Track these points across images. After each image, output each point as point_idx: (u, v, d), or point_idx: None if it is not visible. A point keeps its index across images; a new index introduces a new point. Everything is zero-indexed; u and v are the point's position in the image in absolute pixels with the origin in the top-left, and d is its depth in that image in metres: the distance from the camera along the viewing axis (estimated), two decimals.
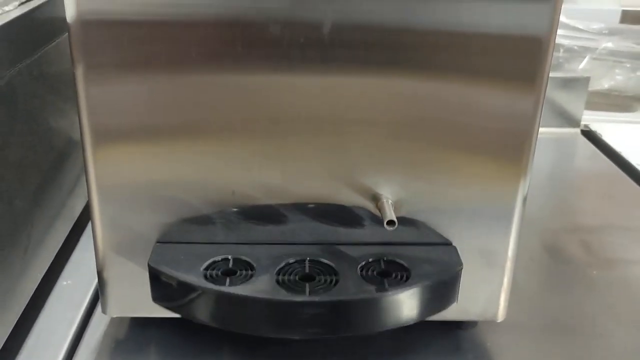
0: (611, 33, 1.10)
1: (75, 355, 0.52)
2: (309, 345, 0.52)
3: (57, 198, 0.63)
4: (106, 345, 0.53)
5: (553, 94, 0.95)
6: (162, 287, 0.48)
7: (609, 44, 1.02)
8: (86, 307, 0.57)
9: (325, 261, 0.49)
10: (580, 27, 1.11)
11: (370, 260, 0.49)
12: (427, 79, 0.45)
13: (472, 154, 0.48)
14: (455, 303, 0.49)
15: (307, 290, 0.46)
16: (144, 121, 0.46)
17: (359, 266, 0.48)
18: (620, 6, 1.39)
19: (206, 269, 0.48)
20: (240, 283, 0.46)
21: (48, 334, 0.54)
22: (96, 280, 0.52)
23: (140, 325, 0.54)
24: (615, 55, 1.03)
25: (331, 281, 0.47)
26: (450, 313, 0.50)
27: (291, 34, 0.43)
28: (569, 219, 0.76)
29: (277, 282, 0.46)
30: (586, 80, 0.94)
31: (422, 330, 0.51)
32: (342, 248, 0.50)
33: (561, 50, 1.01)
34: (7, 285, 0.51)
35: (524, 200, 0.49)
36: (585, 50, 1.02)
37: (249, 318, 0.46)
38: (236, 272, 0.47)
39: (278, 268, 0.48)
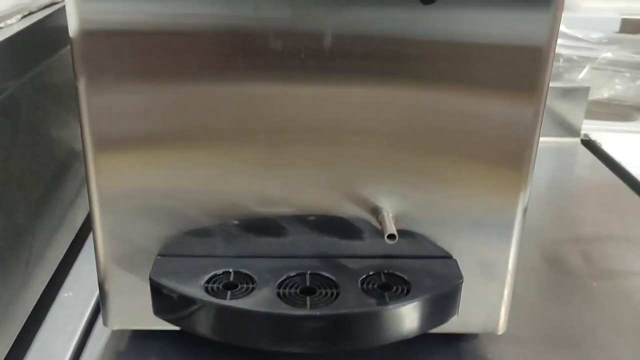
0: (611, 42, 1.10)
1: None
2: (310, 358, 0.52)
3: (58, 209, 0.63)
4: (107, 358, 0.53)
5: (553, 103, 0.95)
6: (164, 301, 0.48)
7: (608, 54, 1.03)
8: (87, 319, 0.57)
9: (326, 274, 0.49)
10: (580, 36, 1.11)
11: (371, 273, 0.49)
12: (427, 90, 0.45)
13: (472, 165, 0.48)
14: (455, 316, 0.50)
15: (308, 303, 0.46)
16: (145, 133, 0.46)
17: (360, 279, 0.48)
18: (619, 14, 1.39)
19: (207, 282, 0.48)
20: (241, 296, 0.46)
21: (49, 347, 0.54)
22: (97, 292, 0.52)
23: (141, 337, 0.54)
24: (614, 65, 1.03)
25: (332, 294, 0.47)
26: (450, 326, 0.50)
27: (291, 45, 0.44)
28: (569, 229, 0.76)
29: (278, 295, 0.47)
30: (586, 90, 0.94)
31: (423, 342, 0.51)
32: (343, 261, 0.50)
33: (561, 60, 1.01)
34: (8, 298, 0.51)
35: (524, 211, 0.49)
36: (585, 60, 1.02)
37: (250, 331, 0.46)
38: (237, 285, 0.47)
39: (279, 281, 0.48)
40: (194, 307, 0.47)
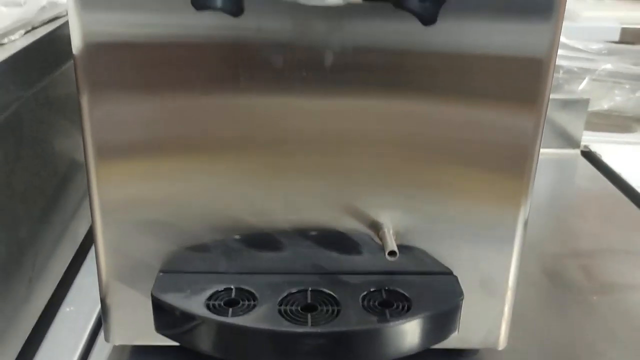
0: (610, 53, 1.11)
1: None
2: None
3: (60, 222, 0.64)
4: None
5: (553, 115, 0.95)
6: (165, 317, 0.48)
7: (608, 65, 1.03)
8: (89, 334, 0.57)
9: (327, 291, 0.49)
10: (580, 47, 1.11)
11: (372, 289, 0.49)
12: (428, 102, 0.45)
13: (473, 178, 0.48)
14: (456, 332, 0.50)
15: (309, 321, 0.46)
16: (147, 146, 0.46)
17: (361, 296, 0.49)
18: (619, 24, 1.39)
19: (209, 299, 0.48)
20: (243, 313, 0.46)
21: None
22: (99, 306, 0.52)
23: (142, 352, 0.54)
24: (614, 77, 1.04)
25: (333, 311, 0.47)
26: (451, 342, 0.50)
27: (293, 58, 0.44)
28: (569, 242, 0.77)
29: (279, 312, 0.47)
30: (586, 102, 0.95)
31: (423, 358, 0.51)
32: (344, 277, 0.50)
33: (561, 71, 1.02)
34: (11, 313, 0.52)
35: (525, 226, 0.49)
36: (585, 71, 1.03)
37: (252, 348, 0.47)
38: (239, 302, 0.48)
39: (280, 298, 0.48)
40: (196, 324, 0.47)
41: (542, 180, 0.84)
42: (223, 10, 0.34)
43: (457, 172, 0.48)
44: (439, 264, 0.50)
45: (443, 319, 0.48)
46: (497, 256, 0.50)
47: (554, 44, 0.44)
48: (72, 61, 0.44)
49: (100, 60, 0.44)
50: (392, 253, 0.46)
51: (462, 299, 0.49)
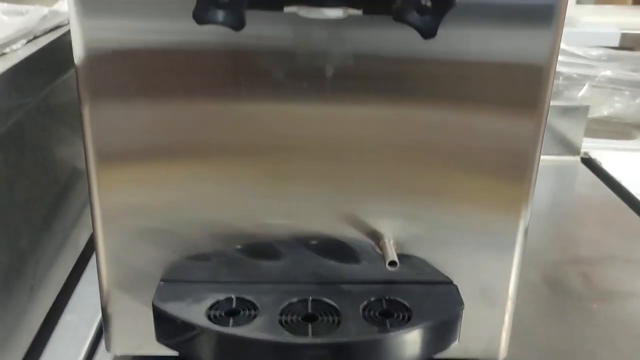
0: (610, 59, 1.11)
1: None
2: None
3: (61, 230, 0.64)
4: None
5: (553, 121, 0.95)
6: (167, 327, 0.48)
7: (607, 72, 1.04)
8: (90, 344, 0.57)
9: (328, 301, 0.49)
10: (580, 53, 1.12)
11: (372, 299, 0.49)
12: (429, 110, 0.45)
13: (473, 186, 0.48)
14: (456, 342, 0.50)
15: (310, 331, 0.46)
16: (148, 155, 0.47)
17: (361, 306, 0.49)
18: (619, 29, 1.40)
19: (210, 308, 0.48)
20: (244, 323, 0.47)
21: None
22: (100, 315, 0.52)
23: None
24: (614, 83, 1.04)
25: (334, 321, 0.47)
26: (451, 352, 0.50)
27: (293, 65, 0.44)
28: (569, 249, 0.77)
29: (280, 322, 0.47)
30: (585, 109, 0.95)
31: None
32: (344, 287, 0.50)
33: (560, 78, 1.02)
34: (12, 322, 0.52)
35: (525, 234, 0.49)
36: (585, 78, 1.03)
37: (252, 359, 0.47)
38: (239, 312, 0.48)
39: (281, 308, 0.48)
40: (197, 334, 0.47)
41: (542, 187, 0.84)
42: (225, 24, 0.34)
43: (457, 179, 0.48)
44: (439, 274, 0.50)
45: (443, 328, 0.49)
46: (497, 265, 0.50)
47: (554, 50, 0.44)
48: (74, 70, 0.44)
49: (101, 67, 0.44)
50: (392, 263, 0.46)
51: (463, 309, 0.49)
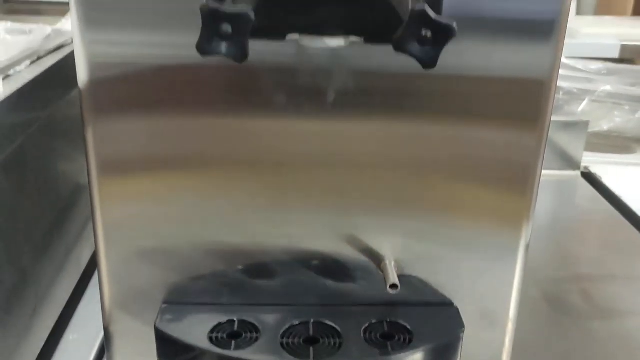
0: (610, 73, 1.12)
1: None
2: None
3: (63, 249, 0.64)
4: None
5: (553, 136, 0.96)
6: (169, 350, 0.48)
7: (607, 87, 1.04)
8: None
9: (329, 323, 0.49)
10: (579, 67, 1.12)
11: (374, 321, 0.50)
12: (430, 126, 0.45)
13: (474, 203, 0.48)
14: None
15: (312, 354, 0.46)
16: (152, 173, 0.47)
17: (363, 328, 0.49)
18: (619, 41, 1.40)
19: (212, 331, 0.48)
20: (246, 346, 0.47)
21: None
22: (102, 334, 0.52)
23: None
24: (614, 98, 1.04)
25: (335, 344, 0.47)
26: None
27: (294, 82, 0.44)
28: (569, 266, 0.77)
29: (282, 345, 0.47)
30: (585, 124, 0.96)
31: None
32: (346, 309, 0.50)
33: (561, 92, 1.03)
34: (15, 343, 0.52)
35: (525, 256, 0.50)
36: (584, 92, 1.03)
37: None
38: (241, 334, 0.48)
39: (282, 330, 0.48)
40: (199, 357, 0.47)
41: (542, 201, 0.84)
42: (227, 56, 0.34)
43: (459, 196, 0.48)
44: (440, 295, 0.51)
45: (444, 351, 0.49)
46: (498, 287, 0.50)
47: (555, 65, 0.44)
48: (77, 88, 0.44)
49: (104, 83, 0.44)
50: (393, 286, 0.46)
51: (463, 332, 0.49)
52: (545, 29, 0.43)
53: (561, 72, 0.45)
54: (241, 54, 0.34)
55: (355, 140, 0.46)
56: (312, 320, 0.49)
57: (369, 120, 0.46)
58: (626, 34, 1.43)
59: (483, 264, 0.50)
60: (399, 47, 0.36)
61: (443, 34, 0.36)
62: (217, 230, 0.48)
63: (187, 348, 0.47)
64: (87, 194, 0.47)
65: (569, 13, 0.44)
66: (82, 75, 0.43)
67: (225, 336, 0.48)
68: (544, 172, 0.47)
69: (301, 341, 0.47)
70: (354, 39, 0.40)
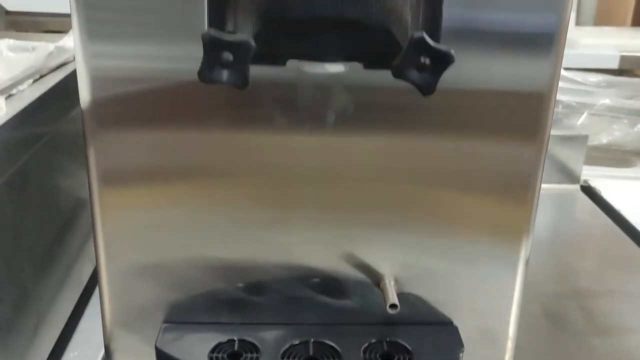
0: (609, 86, 1.12)
1: None
2: None
3: (64, 265, 0.64)
4: None
5: (552, 150, 0.96)
6: None
7: (606, 100, 1.05)
8: None
9: (329, 342, 0.49)
10: (579, 79, 1.13)
11: (373, 341, 0.50)
12: (429, 139, 0.46)
13: (474, 217, 0.48)
14: None
15: None
16: (154, 189, 0.47)
17: (362, 348, 0.49)
18: (618, 51, 1.41)
19: (212, 351, 0.48)
20: None
21: None
22: (102, 351, 0.53)
23: None
24: (613, 111, 1.05)
25: None
26: None
27: (295, 97, 0.44)
28: (568, 281, 0.77)
29: None
30: (584, 138, 0.96)
31: None
32: (345, 328, 0.51)
33: (560, 106, 1.03)
34: None
35: (525, 267, 0.50)
36: (584, 106, 1.04)
37: None
38: (241, 354, 0.48)
39: (282, 350, 0.48)
40: None
41: (541, 215, 0.83)
42: (229, 84, 0.35)
43: (459, 210, 0.48)
44: (439, 314, 0.51)
45: None
46: (498, 303, 0.51)
47: (554, 77, 0.44)
48: (79, 106, 0.44)
49: (106, 98, 0.44)
50: (393, 306, 0.47)
51: (463, 351, 0.49)
52: (545, 42, 0.43)
53: (560, 84, 0.45)
54: (242, 82, 0.35)
55: (355, 155, 0.46)
56: (312, 340, 0.50)
57: (368, 135, 0.46)
58: (625, 45, 1.44)
59: (483, 279, 0.50)
60: (398, 74, 0.37)
61: (441, 62, 0.36)
62: (217, 245, 0.49)
63: None
64: (88, 209, 0.47)
65: (568, 26, 0.44)
66: (84, 89, 0.44)
67: (225, 356, 0.48)
68: (543, 185, 0.47)
69: None
70: (353, 64, 0.40)
